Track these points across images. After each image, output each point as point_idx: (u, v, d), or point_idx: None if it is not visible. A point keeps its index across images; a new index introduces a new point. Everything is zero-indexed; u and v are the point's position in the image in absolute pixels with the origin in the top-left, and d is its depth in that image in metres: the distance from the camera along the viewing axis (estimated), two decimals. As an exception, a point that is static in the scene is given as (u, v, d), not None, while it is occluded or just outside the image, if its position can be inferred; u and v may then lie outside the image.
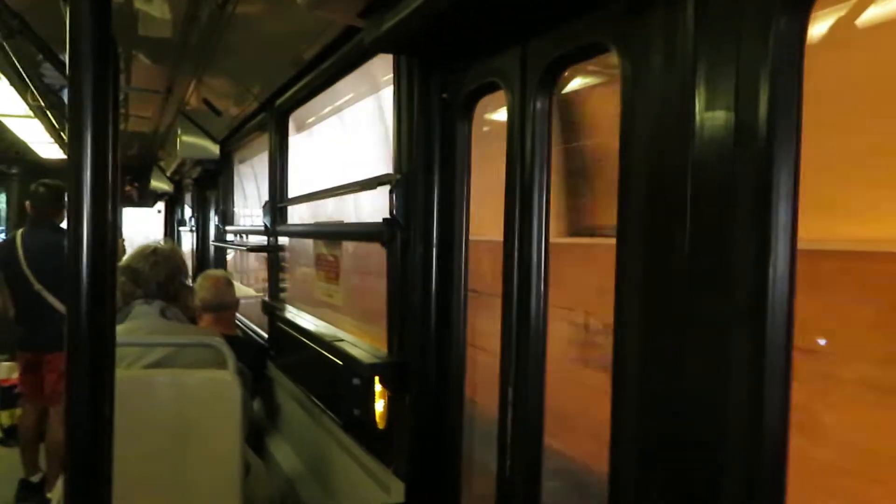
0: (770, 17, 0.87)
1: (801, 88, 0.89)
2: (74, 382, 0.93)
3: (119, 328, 2.40)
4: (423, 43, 1.62)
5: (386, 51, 1.81)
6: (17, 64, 3.13)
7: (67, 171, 0.93)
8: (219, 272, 3.80)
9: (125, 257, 2.66)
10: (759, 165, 0.89)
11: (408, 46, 1.70)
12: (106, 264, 0.96)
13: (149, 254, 2.57)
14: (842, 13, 1.18)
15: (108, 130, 0.95)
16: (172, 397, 2.25)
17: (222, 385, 2.27)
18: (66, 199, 0.97)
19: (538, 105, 1.36)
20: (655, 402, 1.06)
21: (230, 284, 3.49)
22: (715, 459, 0.95)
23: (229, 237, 4.71)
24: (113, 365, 1.16)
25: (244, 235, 4.36)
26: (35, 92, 3.62)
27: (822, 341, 1.29)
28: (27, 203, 4.21)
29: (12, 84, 3.65)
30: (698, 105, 0.97)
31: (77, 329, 0.92)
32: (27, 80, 3.39)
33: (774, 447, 0.90)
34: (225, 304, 3.38)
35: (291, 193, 3.26)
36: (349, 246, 2.59)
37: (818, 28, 1.17)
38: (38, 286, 3.93)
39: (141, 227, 10.02)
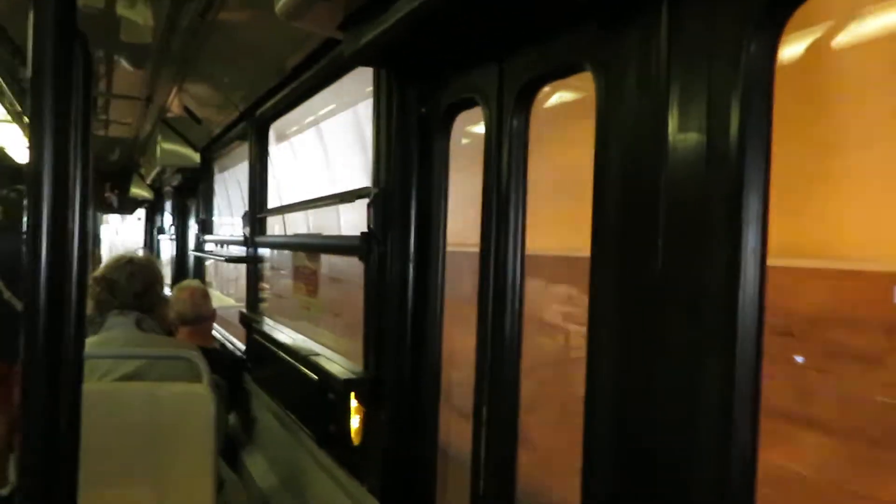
0: (741, 41, 0.88)
1: (771, 110, 0.89)
2: (30, 398, 0.90)
3: (92, 339, 2.36)
4: (402, 57, 1.62)
5: (365, 64, 1.81)
6: (-8, 69, 3.09)
7: (26, 175, 0.91)
8: (194, 283, 3.75)
9: (100, 266, 2.61)
10: (729, 186, 0.90)
11: (386, 60, 1.70)
12: (66, 273, 0.93)
13: (125, 264, 2.53)
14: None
15: (71, 134, 0.92)
16: (144, 411, 2.21)
17: (196, 399, 2.24)
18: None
19: (515, 121, 1.36)
20: (627, 421, 1.06)
21: (206, 296, 3.45)
22: (686, 477, 0.95)
23: (209, 246, 4.67)
24: (78, 378, 1.13)
25: (224, 245, 4.32)
26: (12, 96, 3.57)
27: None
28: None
29: (-12, 88, 3.60)
30: (671, 125, 0.97)
31: (33, 341, 0.89)
32: (3, 84, 3.35)
33: (744, 465, 0.90)
34: (201, 316, 3.34)
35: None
36: (328, 258, 2.57)
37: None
38: (7, 294, 3.87)
39: (126, 236, 9.92)
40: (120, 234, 9.91)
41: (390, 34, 1.40)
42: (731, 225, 0.89)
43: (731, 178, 0.89)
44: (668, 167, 0.97)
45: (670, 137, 0.97)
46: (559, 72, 1.28)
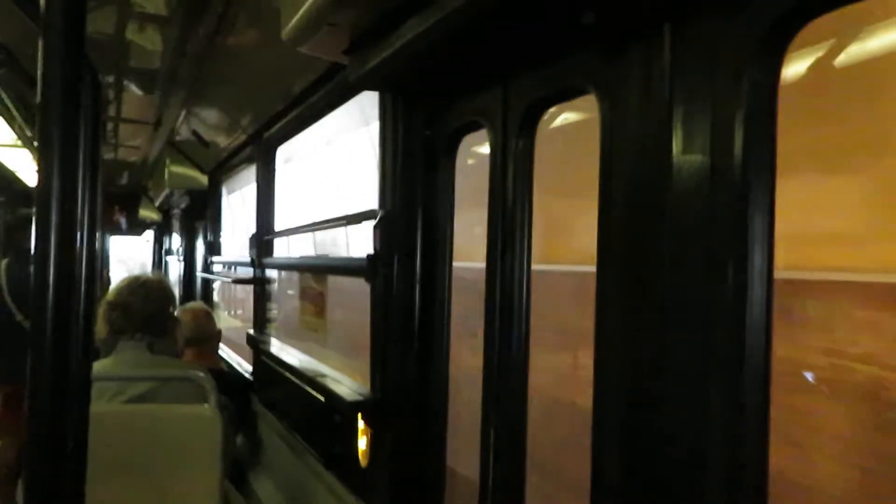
0: (743, 63, 0.88)
1: (775, 131, 0.90)
2: (37, 420, 0.90)
3: (103, 362, 2.36)
4: (407, 81, 1.64)
5: (370, 88, 1.82)
6: (3, 94, 3.13)
7: (36, 199, 0.92)
8: (198, 304, 3.78)
9: (112, 290, 2.60)
10: (734, 206, 0.90)
11: (391, 84, 1.72)
12: (73, 295, 0.94)
13: (138, 286, 2.50)
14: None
15: (79, 159, 0.94)
16: (151, 432, 2.21)
17: (203, 420, 2.23)
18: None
19: (520, 144, 1.37)
20: (636, 444, 1.05)
21: (210, 316, 3.46)
22: (694, 499, 0.94)
23: (216, 268, 4.68)
24: (85, 400, 1.13)
25: (231, 267, 4.33)
26: (22, 122, 3.62)
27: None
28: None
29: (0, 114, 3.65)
30: (675, 147, 0.98)
31: (40, 363, 0.89)
32: (13, 110, 3.40)
33: (754, 486, 0.89)
34: (206, 337, 3.35)
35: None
36: (336, 280, 2.58)
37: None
38: (20, 317, 3.89)
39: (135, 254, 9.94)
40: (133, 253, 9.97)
41: (395, 59, 1.42)
42: (736, 246, 0.89)
43: (736, 199, 0.89)
44: (673, 188, 0.98)
45: (674, 159, 0.98)
46: (563, 94, 1.29)
